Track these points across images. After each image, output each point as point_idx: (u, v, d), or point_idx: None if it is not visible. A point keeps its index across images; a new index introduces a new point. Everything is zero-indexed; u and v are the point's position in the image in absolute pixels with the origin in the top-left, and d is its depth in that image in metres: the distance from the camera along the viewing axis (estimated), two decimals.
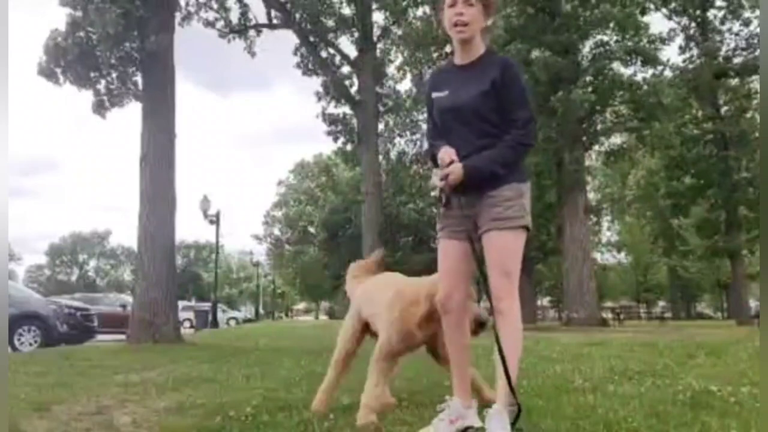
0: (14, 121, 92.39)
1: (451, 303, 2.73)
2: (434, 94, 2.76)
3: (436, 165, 2.73)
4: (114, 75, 11.50)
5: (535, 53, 17.37)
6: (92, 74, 11.46)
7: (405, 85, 26.30)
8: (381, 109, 23.17)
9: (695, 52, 23.58)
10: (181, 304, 18.93)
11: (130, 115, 12.59)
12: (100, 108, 11.80)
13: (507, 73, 2.62)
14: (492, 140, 2.61)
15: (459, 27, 2.62)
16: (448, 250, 2.73)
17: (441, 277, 2.76)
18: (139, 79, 11.74)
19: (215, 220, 24.80)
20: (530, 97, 2.76)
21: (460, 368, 2.80)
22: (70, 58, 11.07)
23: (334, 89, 22.13)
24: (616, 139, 23.44)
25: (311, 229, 47.97)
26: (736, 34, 23.30)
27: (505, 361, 2.48)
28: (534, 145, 2.77)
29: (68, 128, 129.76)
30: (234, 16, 19.45)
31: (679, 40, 23.47)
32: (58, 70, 11.33)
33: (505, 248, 2.59)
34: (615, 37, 19.68)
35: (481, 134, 2.63)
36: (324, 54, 21.92)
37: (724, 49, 23.37)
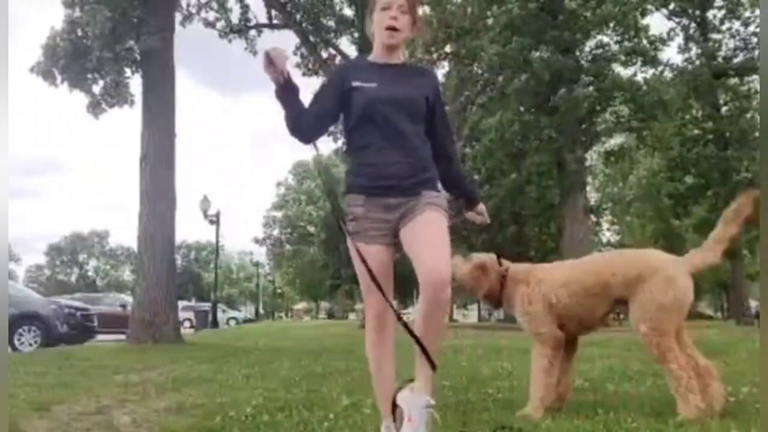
0: (14, 122, 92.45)
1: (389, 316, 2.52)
2: (357, 84, 2.53)
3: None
4: (108, 78, 11.48)
5: (536, 53, 17.36)
6: (89, 75, 11.47)
7: None
8: None
9: (695, 52, 23.57)
10: (181, 304, 18.94)
11: (130, 115, 12.62)
12: (95, 108, 11.80)
13: (438, 95, 2.65)
14: (423, 145, 2.53)
15: (390, 31, 2.60)
16: (371, 258, 2.45)
17: (370, 290, 2.46)
18: (134, 80, 11.76)
19: (215, 220, 24.81)
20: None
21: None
22: (66, 59, 11.08)
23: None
24: (617, 139, 23.45)
25: (311, 229, 48.01)
26: (736, 35, 23.29)
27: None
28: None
29: (68, 128, 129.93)
30: (234, 17, 19.45)
31: (679, 40, 23.48)
32: (55, 70, 11.35)
33: (439, 225, 2.41)
34: (615, 38, 19.69)
35: (416, 135, 2.52)
36: (324, 54, 21.91)
37: (723, 49, 23.37)
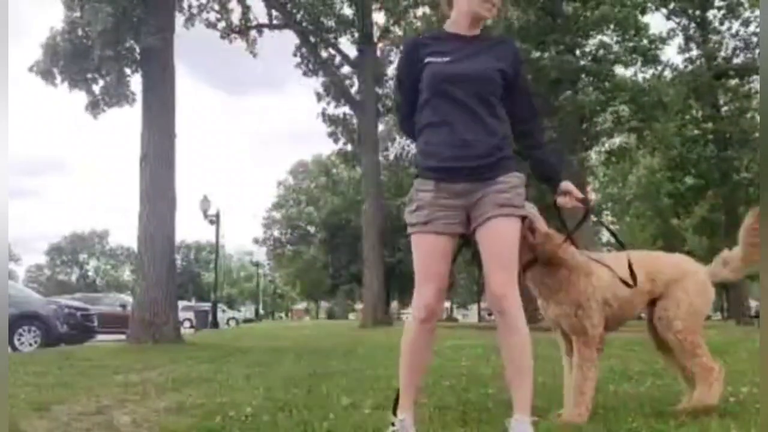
0: (15, 122, 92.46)
1: (437, 311, 2.44)
2: (429, 59, 2.40)
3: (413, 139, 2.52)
4: (108, 77, 11.48)
5: (538, 53, 17.37)
6: (88, 75, 11.47)
7: None
8: (381, 109, 23.18)
9: (695, 52, 23.59)
10: (181, 304, 18.94)
11: (131, 115, 12.62)
12: (94, 108, 11.79)
13: (517, 67, 2.47)
14: (499, 124, 2.41)
15: (488, 4, 2.44)
16: (434, 248, 2.38)
17: (427, 280, 2.39)
18: (134, 79, 11.76)
19: (215, 220, 24.82)
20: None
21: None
22: (66, 58, 11.08)
23: (335, 89, 22.14)
24: (617, 139, 23.46)
25: (311, 230, 48.01)
26: (736, 35, 23.30)
27: (519, 372, 2.33)
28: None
29: (69, 129, 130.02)
30: (235, 17, 19.48)
31: (679, 40, 23.50)
32: (55, 70, 11.35)
33: (509, 237, 2.35)
34: (615, 38, 19.69)
35: (490, 114, 2.39)
36: (324, 54, 21.94)
37: (723, 49, 23.38)
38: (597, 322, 2.88)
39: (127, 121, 13.80)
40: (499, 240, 2.33)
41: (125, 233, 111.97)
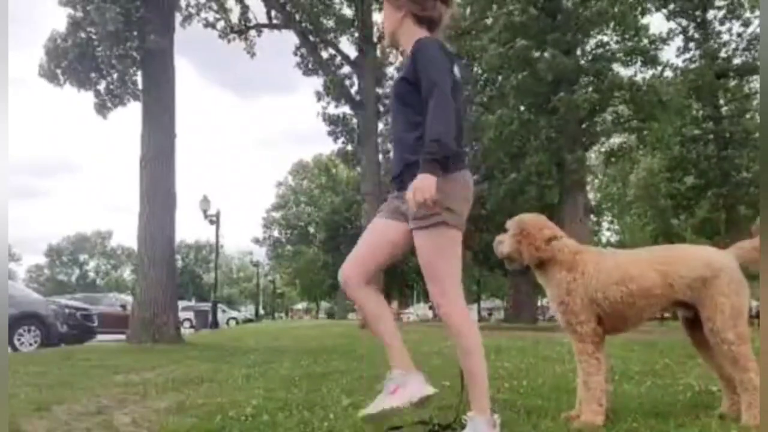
0: (19, 123, 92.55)
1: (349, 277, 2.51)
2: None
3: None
4: (114, 75, 11.52)
5: (538, 53, 17.38)
6: (92, 75, 11.49)
7: None
8: (381, 109, 23.18)
9: (695, 52, 23.59)
10: (181, 304, 18.94)
11: (131, 115, 12.61)
12: (102, 108, 11.83)
13: (414, 70, 2.41)
14: (406, 129, 2.45)
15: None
16: (379, 226, 2.56)
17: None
18: (139, 78, 11.76)
19: (215, 220, 24.84)
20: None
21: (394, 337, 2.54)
22: (71, 58, 11.08)
23: (335, 89, 22.14)
24: (617, 139, 23.47)
25: (311, 230, 48.01)
26: (737, 35, 23.30)
27: (467, 374, 2.41)
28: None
29: (71, 129, 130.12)
30: (234, 17, 19.47)
31: (679, 40, 23.50)
32: (59, 71, 11.36)
33: (423, 253, 2.39)
34: (615, 38, 19.70)
35: (404, 119, 2.48)
36: (324, 54, 21.92)
37: (723, 49, 23.38)
38: (584, 319, 2.79)
39: (128, 121, 13.80)
40: (419, 257, 2.42)
41: (126, 233, 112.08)
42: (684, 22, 23.81)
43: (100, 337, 13.88)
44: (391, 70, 24.60)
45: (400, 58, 24.54)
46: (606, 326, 2.86)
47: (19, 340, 11.47)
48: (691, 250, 2.92)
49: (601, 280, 2.78)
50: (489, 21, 20.24)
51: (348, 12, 21.48)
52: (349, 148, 24.13)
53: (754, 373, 2.64)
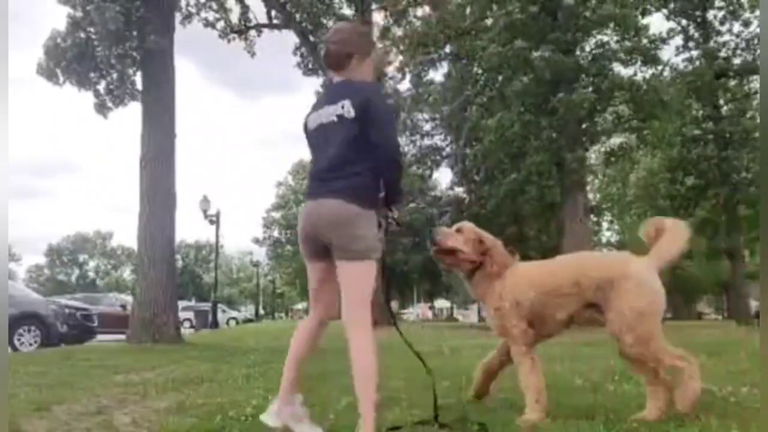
0: (19, 123, 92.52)
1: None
2: None
3: None
4: (114, 75, 11.52)
5: (537, 52, 17.35)
6: (92, 74, 11.49)
7: (405, 85, 26.37)
8: None
9: (695, 52, 23.58)
10: (181, 304, 18.93)
11: (131, 115, 12.61)
12: (102, 108, 11.82)
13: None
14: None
15: None
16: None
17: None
18: (138, 78, 11.76)
19: (215, 220, 24.83)
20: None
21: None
22: (70, 58, 11.08)
23: None
24: (617, 139, 23.46)
25: None
26: (737, 35, 23.29)
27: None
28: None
29: (71, 129, 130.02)
30: (234, 17, 19.46)
31: (679, 40, 23.49)
32: (59, 71, 11.35)
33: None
34: (615, 37, 19.67)
35: None
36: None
37: (723, 49, 23.36)
38: (516, 322, 3.02)
39: (128, 121, 13.80)
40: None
41: (126, 233, 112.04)
42: (684, 22, 23.79)
43: (100, 337, 13.88)
44: (391, 70, 24.62)
45: (400, 58, 24.61)
46: (535, 328, 3.05)
47: (19, 340, 11.47)
48: (603, 255, 3.27)
49: (520, 284, 3.04)
50: (489, 21, 20.23)
51: (348, 12, 21.47)
52: None
53: (670, 358, 2.79)
